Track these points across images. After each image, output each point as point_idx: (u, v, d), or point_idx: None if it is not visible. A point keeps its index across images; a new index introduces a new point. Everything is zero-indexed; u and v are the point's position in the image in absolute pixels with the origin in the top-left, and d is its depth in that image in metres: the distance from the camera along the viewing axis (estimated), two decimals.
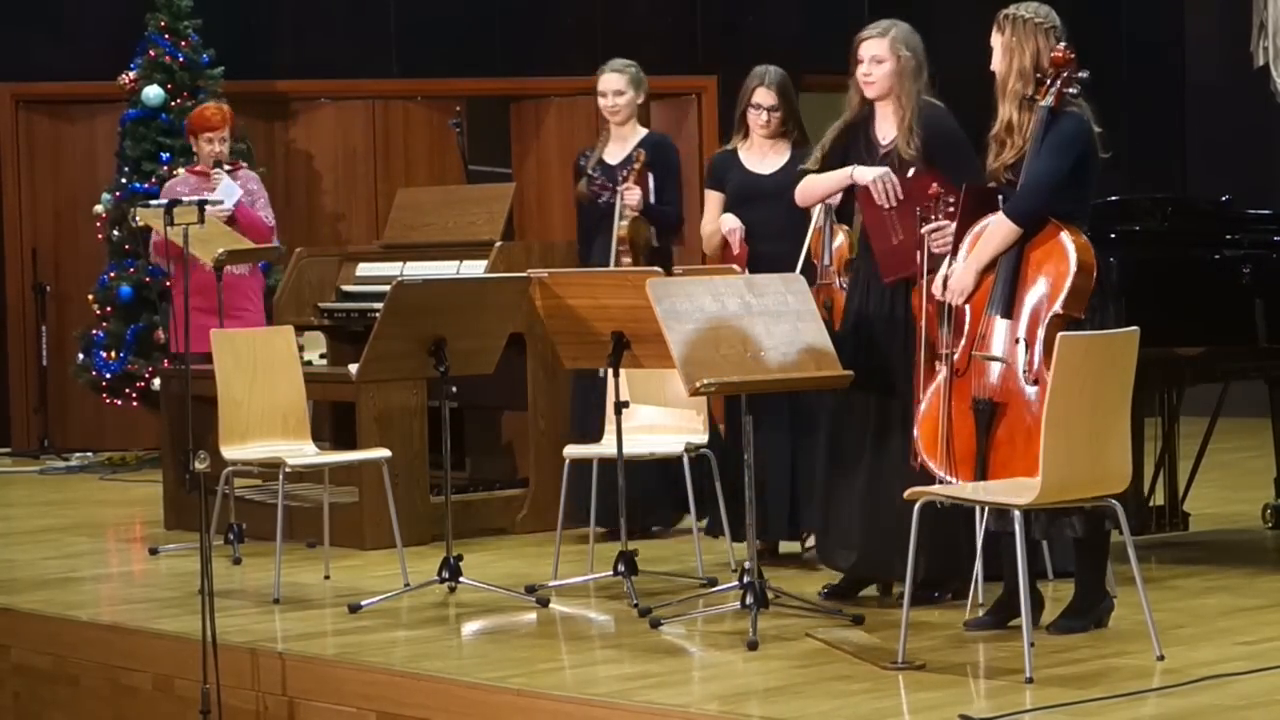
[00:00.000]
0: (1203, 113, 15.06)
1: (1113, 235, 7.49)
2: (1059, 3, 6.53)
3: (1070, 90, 6.32)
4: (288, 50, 13.76)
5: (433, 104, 13.67)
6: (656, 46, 14.26)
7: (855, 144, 7.11)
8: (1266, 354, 7.68)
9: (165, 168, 12.29)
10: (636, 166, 8.65)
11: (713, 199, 8.24)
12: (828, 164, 7.18)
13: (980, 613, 6.59)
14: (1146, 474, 8.22)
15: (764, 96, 8.05)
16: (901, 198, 6.94)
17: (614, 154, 8.86)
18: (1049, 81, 6.32)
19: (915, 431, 6.45)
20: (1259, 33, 13.48)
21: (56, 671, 7.36)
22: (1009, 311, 6.29)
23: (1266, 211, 8.17)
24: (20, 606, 7.66)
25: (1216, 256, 7.66)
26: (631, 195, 8.61)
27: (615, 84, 8.84)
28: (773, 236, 7.95)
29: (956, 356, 6.39)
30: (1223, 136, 14.72)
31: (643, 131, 8.93)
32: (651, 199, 8.69)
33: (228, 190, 9.85)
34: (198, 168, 10.18)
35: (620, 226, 8.59)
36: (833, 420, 7.13)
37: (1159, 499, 8.37)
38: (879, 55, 7.02)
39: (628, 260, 8.55)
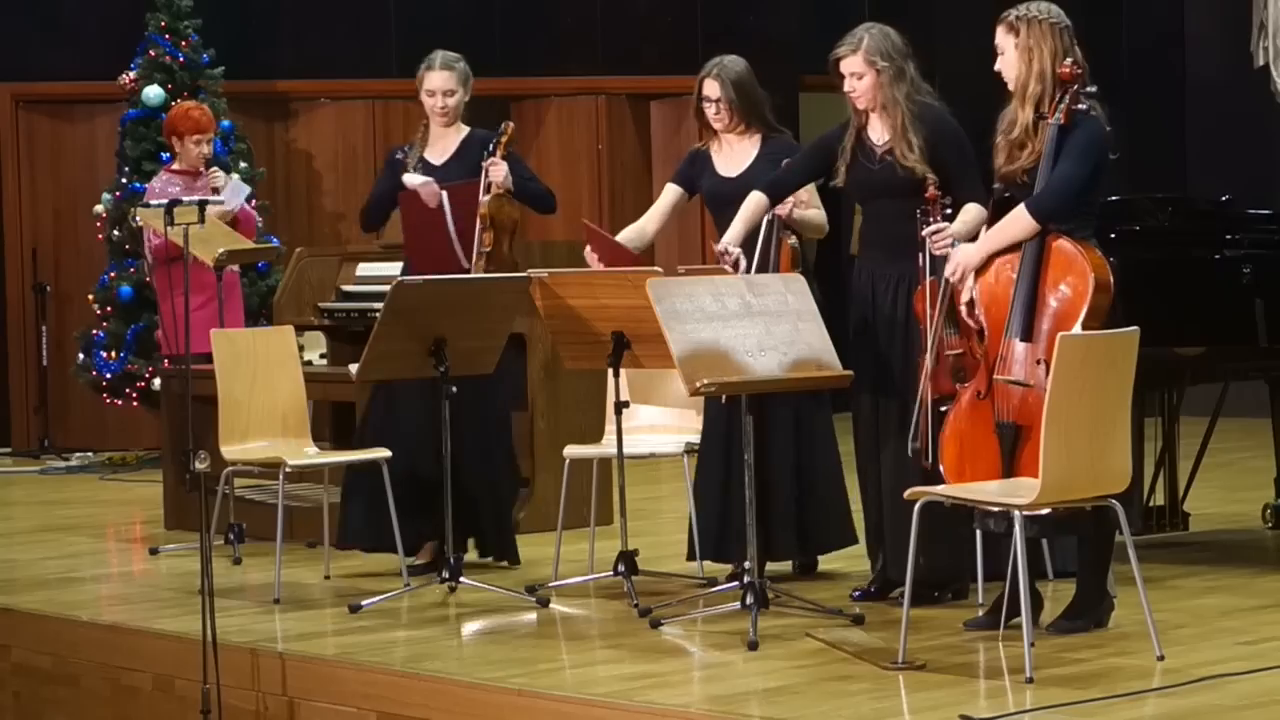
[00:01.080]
0: (1203, 113, 15.05)
1: (1113, 235, 7.49)
2: (1061, 1, 6.51)
3: (1079, 106, 6.29)
4: (288, 50, 13.77)
5: None
6: (656, 46, 14.28)
7: (856, 147, 7.08)
8: (1266, 354, 7.67)
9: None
10: (504, 140, 7.92)
11: (668, 191, 7.78)
12: (800, 166, 7.25)
13: (980, 613, 6.60)
14: (1146, 474, 8.22)
15: (710, 88, 7.62)
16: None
17: (437, 154, 8.15)
18: (1057, 98, 6.30)
19: (940, 456, 6.41)
20: (1259, 33, 13.48)
21: (56, 671, 7.36)
22: (1028, 334, 6.27)
23: (1266, 211, 8.17)
24: (20, 606, 7.66)
25: (1216, 256, 7.66)
26: (498, 171, 7.88)
27: (447, 83, 8.12)
28: (748, 242, 7.42)
29: (973, 380, 6.37)
30: (1223, 136, 14.71)
31: (465, 130, 8.21)
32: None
33: (237, 189, 9.92)
34: (179, 168, 10.20)
35: (483, 203, 7.88)
36: (855, 426, 7.12)
37: (1159, 499, 8.36)
38: (857, 70, 6.99)
39: (488, 239, 7.89)
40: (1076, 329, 6.14)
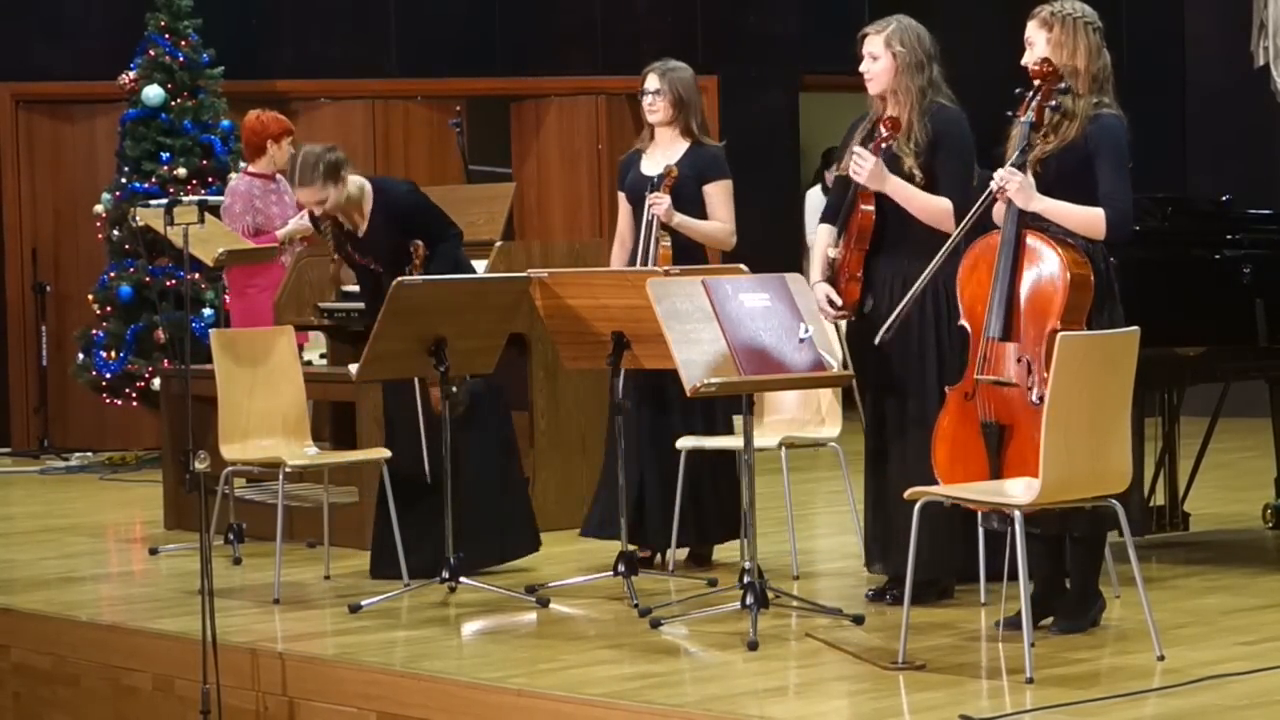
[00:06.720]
0: (1203, 113, 15.06)
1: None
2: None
3: (1050, 104, 6.30)
4: (288, 50, 13.77)
5: (433, 104, 13.67)
6: (656, 46, 14.25)
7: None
8: (1267, 354, 7.67)
9: (165, 168, 12.31)
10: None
11: (621, 203, 8.09)
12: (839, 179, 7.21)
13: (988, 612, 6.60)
14: (1147, 474, 8.22)
15: (650, 81, 7.95)
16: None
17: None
18: (1029, 96, 6.30)
19: (932, 459, 6.41)
20: (1259, 33, 13.49)
21: (56, 671, 7.36)
22: (1008, 333, 6.27)
23: (1266, 211, 8.18)
24: (20, 606, 7.66)
25: (1217, 256, 7.66)
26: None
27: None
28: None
29: (961, 382, 6.37)
30: (1223, 136, 14.72)
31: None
32: None
33: None
34: (257, 170, 10.48)
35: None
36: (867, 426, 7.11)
37: (1159, 499, 8.37)
38: (874, 51, 7.02)
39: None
40: (1055, 324, 6.14)
